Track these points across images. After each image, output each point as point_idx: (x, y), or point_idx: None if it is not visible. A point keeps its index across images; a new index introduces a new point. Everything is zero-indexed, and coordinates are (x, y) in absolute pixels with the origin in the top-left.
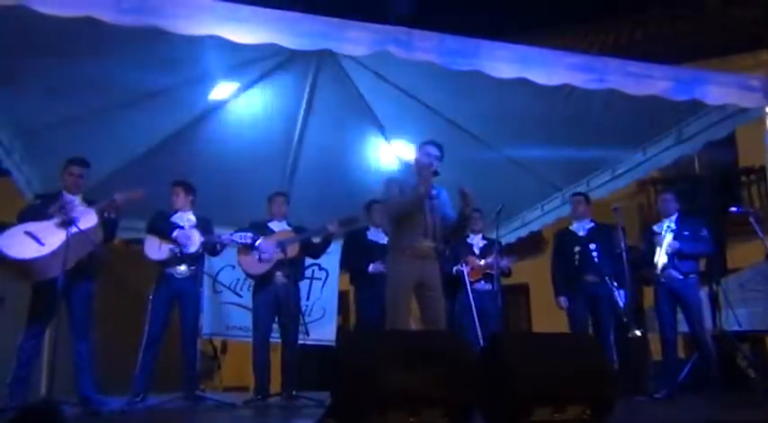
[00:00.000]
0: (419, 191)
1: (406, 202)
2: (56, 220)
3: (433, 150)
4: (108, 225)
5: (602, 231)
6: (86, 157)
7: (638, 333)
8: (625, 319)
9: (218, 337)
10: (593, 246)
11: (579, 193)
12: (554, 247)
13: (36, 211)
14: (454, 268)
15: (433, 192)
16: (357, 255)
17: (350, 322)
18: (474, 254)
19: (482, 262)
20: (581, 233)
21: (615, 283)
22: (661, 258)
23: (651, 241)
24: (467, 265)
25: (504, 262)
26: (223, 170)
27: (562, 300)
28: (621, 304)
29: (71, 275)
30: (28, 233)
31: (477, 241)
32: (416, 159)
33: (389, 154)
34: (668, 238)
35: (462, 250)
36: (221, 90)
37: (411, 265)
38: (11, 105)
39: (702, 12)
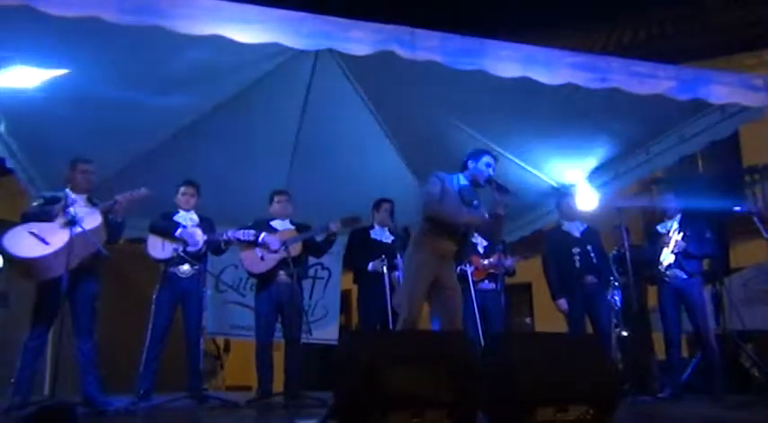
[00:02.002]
0: (466, 219)
1: (448, 217)
2: (60, 221)
3: (492, 161)
4: (113, 227)
5: (593, 232)
6: (90, 157)
7: (623, 333)
8: (615, 320)
9: (222, 336)
10: (589, 247)
11: (570, 194)
12: (547, 248)
13: (41, 212)
14: (458, 268)
15: (474, 202)
16: (359, 253)
17: (352, 322)
18: (478, 253)
19: (486, 262)
20: (576, 234)
21: (616, 283)
22: (668, 258)
23: (655, 241)
24: (470, 265)
25: (509, 261)
26: (225, 169)
27: (562, 302)
28: (619, 304)
29: (75, 275)
30: (32, 233)
31: (481, 241)
32: (474, 169)
33: (391, 152)
34: (676, 237)
35: (466, 250)
36: (220, 89)
37: (430, 261)
38: (15, 105)
39: (704, 12)
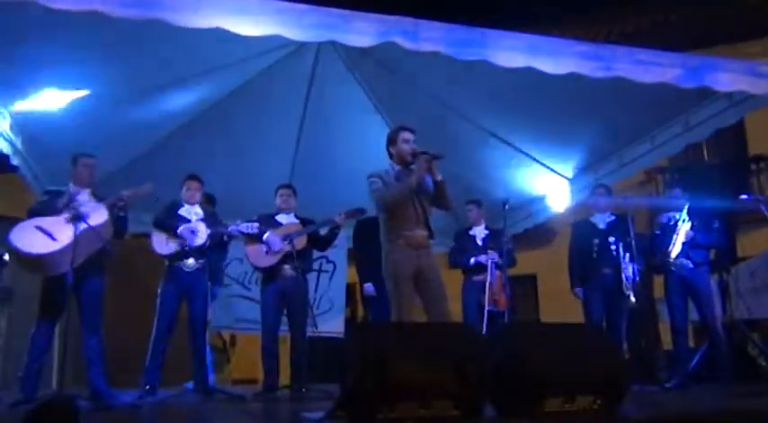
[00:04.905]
0: (409, 181)
1: (397, 194)
2: (66, 216)
3: (409, 135)
4: (119, 222)
5: (623, 224)
6: (94, 153)
7: (632, 299)
8: (628, 292)
9: (227, 329)
10: (612, 238)
11: (603, 186)
12: (572, 239)
13: (46, 207)
14: (473, 259)
15: (424, 177)
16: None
17: (357, 315)
18: (477, 245)
19: (503, 294)
20: (601, 226)
21: (628, 254)
22: (676, 247)
23: (662, 230)
24: (489, 299)
25: (509, 246)
26: (229, 163)
27: (578, 291)
28: (630, 276)
29: (81, 270)
30: (39, 228)
31: (479, 232)
32: (396, 151)
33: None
34: (685, 227)
35: (467, 243)
36: (223, 83)
37: (406, 255)
38: (18, 101)
39: None
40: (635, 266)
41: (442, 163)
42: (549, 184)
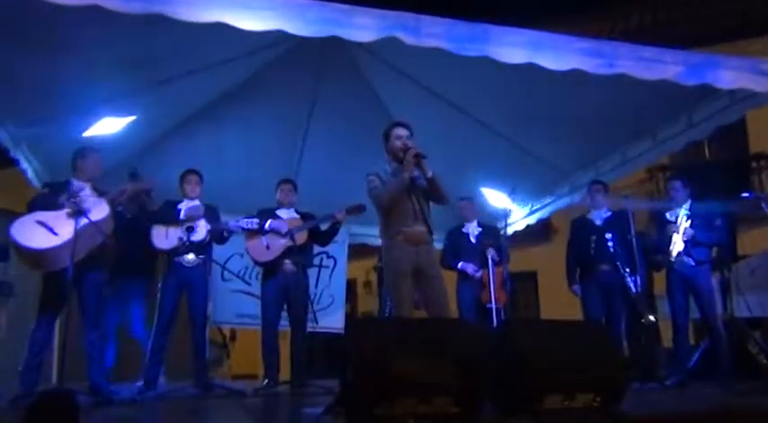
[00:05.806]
0: (403, 177)
1: (392, 190)
2: (67, 210)
3: (402, 131)
4: (119, 216)
5: (620, 220)
6: (95, 146)
7: (651, 318)
8: (638, 306)
9: (228, 325)
10: (609, 235)
11: (599, 182)
12: (570, 236)
13: (46, 200)
14: (461, 264)
15: (415, 173)
16: None
17: (358, 310)
18: (471, 243)
19: (501, 290)
20: (598, 222)
21: (628, 269)
22: (677, 245)
23: (663, 228)
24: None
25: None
26: (231, 158)
27: (575, 288)
28: (634, 290)
29: (82, 265)
30: (40, 222)
31: (472, 230)
32: (390, 148)
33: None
34: (686, 224)
35: (460, 241)
36: (226, 77)
37: (405, 252)
38: (17, 95)
39: None
40: (637, 280)
41: (441, 159)
42: (550, 180)
